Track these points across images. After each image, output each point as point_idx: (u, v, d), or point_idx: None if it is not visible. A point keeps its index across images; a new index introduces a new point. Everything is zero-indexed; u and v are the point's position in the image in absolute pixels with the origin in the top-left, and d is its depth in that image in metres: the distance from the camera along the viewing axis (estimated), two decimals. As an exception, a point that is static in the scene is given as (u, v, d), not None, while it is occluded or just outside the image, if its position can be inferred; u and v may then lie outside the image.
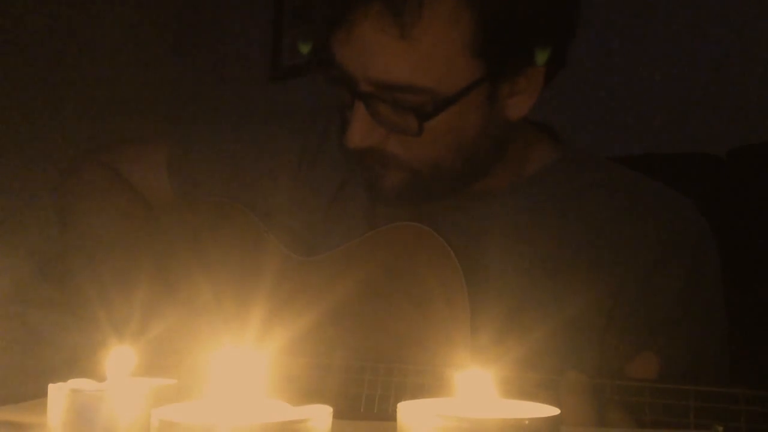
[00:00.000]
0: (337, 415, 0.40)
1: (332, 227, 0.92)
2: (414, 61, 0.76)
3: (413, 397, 0.70)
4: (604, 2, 1.57)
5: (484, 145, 0.84)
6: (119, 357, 0.50)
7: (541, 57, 0.79)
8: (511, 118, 0.83)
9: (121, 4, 2.45)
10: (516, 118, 0.84)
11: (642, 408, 0.65)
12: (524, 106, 0.83)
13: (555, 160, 0.91)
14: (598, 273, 0.84)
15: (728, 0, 1.57)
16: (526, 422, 0.39)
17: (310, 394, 0.78)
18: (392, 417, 0.72)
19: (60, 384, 0.47)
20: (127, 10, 2.46)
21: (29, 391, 0.59)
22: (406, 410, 0.40)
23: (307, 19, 2.30)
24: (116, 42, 2.44)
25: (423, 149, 0.82)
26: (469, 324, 0.75)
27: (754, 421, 0.61)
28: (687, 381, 0.65)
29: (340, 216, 0.93)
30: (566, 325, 0.81)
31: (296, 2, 2.35)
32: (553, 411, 0.40)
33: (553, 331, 0.80)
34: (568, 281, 0.84)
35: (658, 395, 0.65)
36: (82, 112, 2.28)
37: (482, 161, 0.87)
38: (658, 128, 1.61)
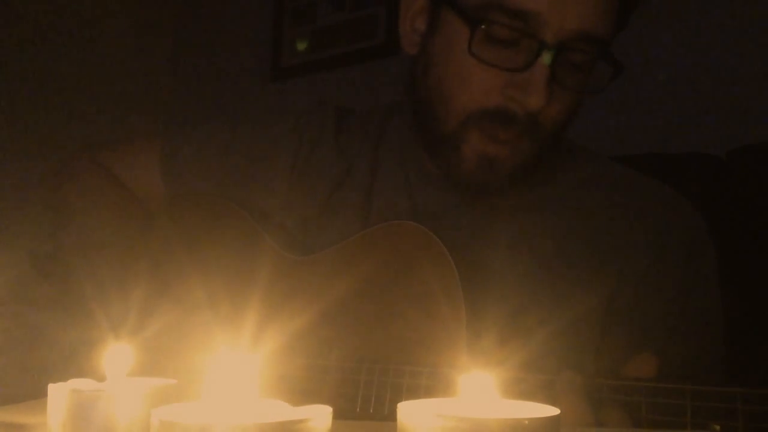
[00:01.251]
0: (333, 416, 0.40)
1: (326, 226, 0.92)
2: (603, 8, 0.76)
3: (408, 397, 0.70)
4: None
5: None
6: (117, 355, 0.50)
7: None
8: None
9: (120, 2, 2.45)
10: None
11: (639, 407, 0.65)
12: None
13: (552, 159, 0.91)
14: (597, 273, 0.84)
15: (728, 0, 1.57)
16: (526, 422, 0.39)
17: (306, 394, 0.78)
18: (387, 417, 0.72)
19: (60, 384, 0.47)
20: (126, 9, 2.46)
21: (29, 390, 0.59)
22: (406, 410, 0.40)
23: (307, 19, 2.31)
24: (115, 41, 2.44)
25: (559, 114, 0.81)
26: (464, 323, 0.74)
27: (752, 420, 0.61)
28: (684, 380, 0.65)
29: (334, 215, 0.92)
30: (566, 326, 0.81)
31: (296, 2, 2.35)
32: (553, 411, 0.40)
33: (554, 333, 0.80)
34: (568, 282, 0.84)
35: (655, 394, 0.65)
36: (81, 111, 2.28)
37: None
38: (658, 128, 1.60)
